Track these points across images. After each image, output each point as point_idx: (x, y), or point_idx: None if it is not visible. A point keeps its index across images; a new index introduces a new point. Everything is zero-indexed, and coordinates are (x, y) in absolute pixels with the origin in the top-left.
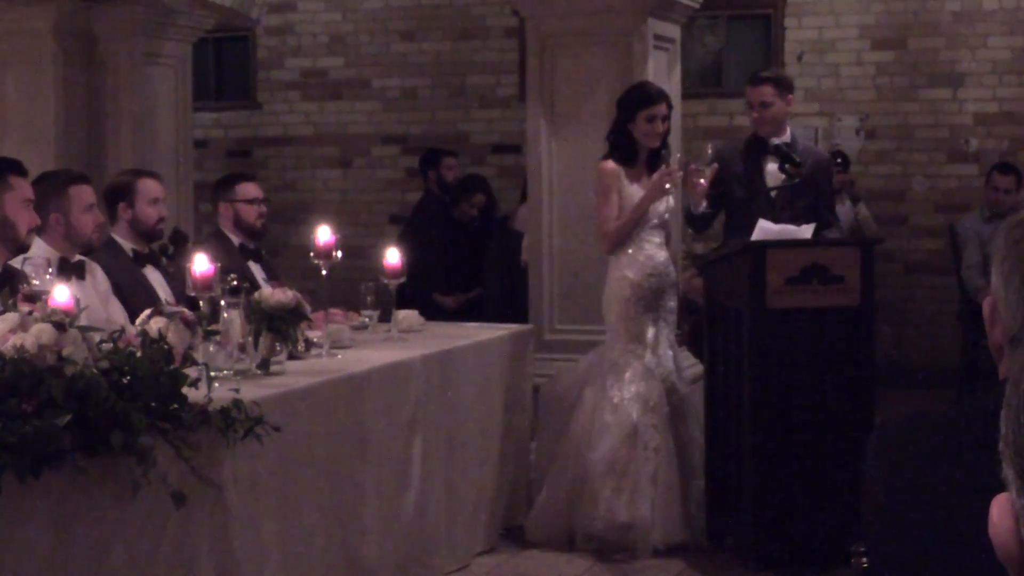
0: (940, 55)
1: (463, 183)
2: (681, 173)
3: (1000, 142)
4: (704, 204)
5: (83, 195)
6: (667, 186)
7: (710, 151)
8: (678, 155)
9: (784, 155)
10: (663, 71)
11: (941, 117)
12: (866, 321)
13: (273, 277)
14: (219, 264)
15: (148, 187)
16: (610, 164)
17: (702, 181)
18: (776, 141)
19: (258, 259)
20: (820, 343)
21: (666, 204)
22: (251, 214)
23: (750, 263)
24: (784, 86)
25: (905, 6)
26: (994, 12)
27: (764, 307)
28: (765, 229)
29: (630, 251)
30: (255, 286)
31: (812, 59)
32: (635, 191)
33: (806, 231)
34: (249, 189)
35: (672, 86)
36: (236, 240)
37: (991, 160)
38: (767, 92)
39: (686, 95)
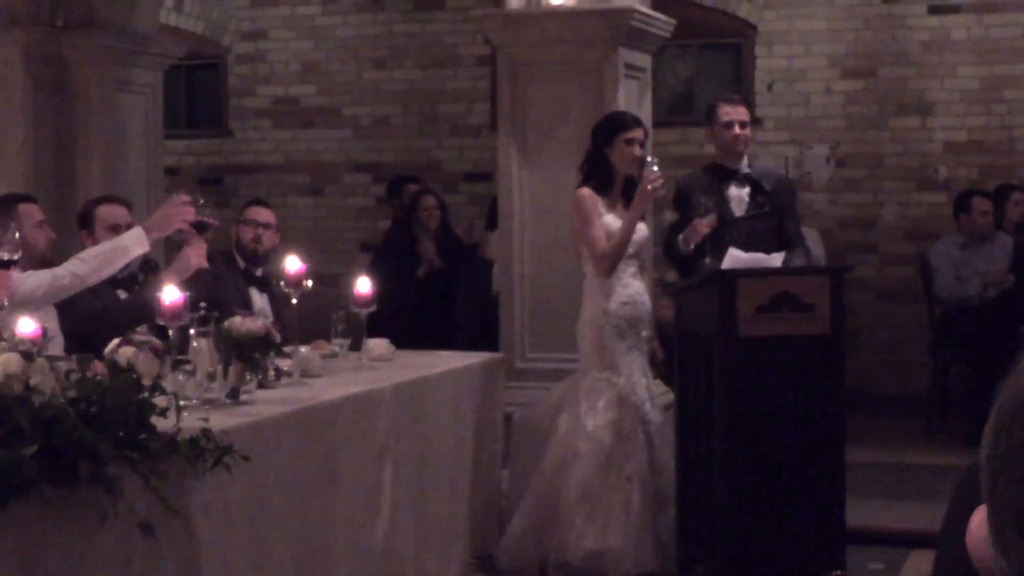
0: (909, 84)
1: (392, 184)
2: (662, 180)
3: (969, 170)
4: (690, 249)
5: (31, 212)
6: (656, 192)
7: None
8: (655, 166)
9: (755, 184)
10: (634, 99)
11: (911, 145)
12: (836, 349)
13: (276, 313)
14: (207, 283)
15: (107, 214)
16: (587, 191)
17: (704, 227)
18: (745, 169)
19: (265, 289)
20: (790, 371)
21: (642, 233)
22: (246, 235)
23: (721, 291)
24: (751, 109)
25: (874, 36)
26: (963, 42)
27: (735, 335)
28: (735, 258)
29: (604, 279)
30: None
31: (782, 88)
32: (611, 220)
33: (776, 259)
34: (253, 212)
35: (643, 114)
36: (242, 263)
37: (960, 188)
38: (746, 112)
39: (657, 123)
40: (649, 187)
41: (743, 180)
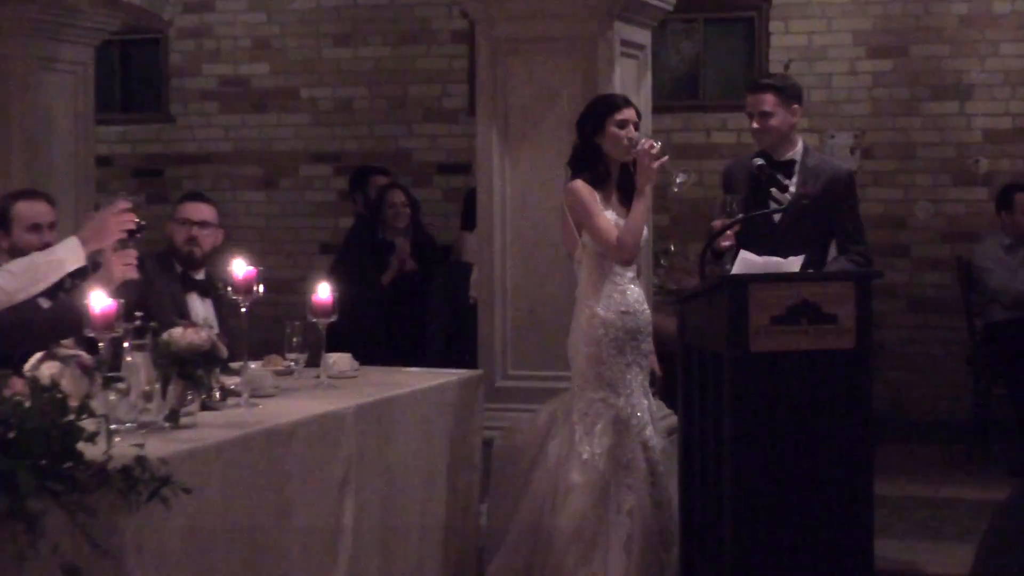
0: (945, 64)
1: (355, 177)
2: (660, 146)
3: (1013, 162)
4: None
5: None
6: (654, 163)
7: (679, 179)
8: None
9: (768, 176)
10: (632, 81)
11: (947, 134)
12: (862, 366)
13: (222, 323)
14: (138, 290)
15: (25, 212)
16: (581, 182)
17: (727, 233)
18: (758, 162)
19: (208, 295)
20: (810, 391)
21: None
22: (180, 235)
23: (730, 300)
24: (789, 94)
25: (905, 9)
26: (1006, 16)
27: (746, 350)
28: (747, 262)
29: (601, 285)
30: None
31: (801, 68)
32: (610, 216)
33: (794, 264)
34: (187, 209)
35: (642, 98)
36: (179, 267)
37: (1003, 182)
38: (768, 100)
39: (658, 109)
40: (649, 162)
41: (757, 172)
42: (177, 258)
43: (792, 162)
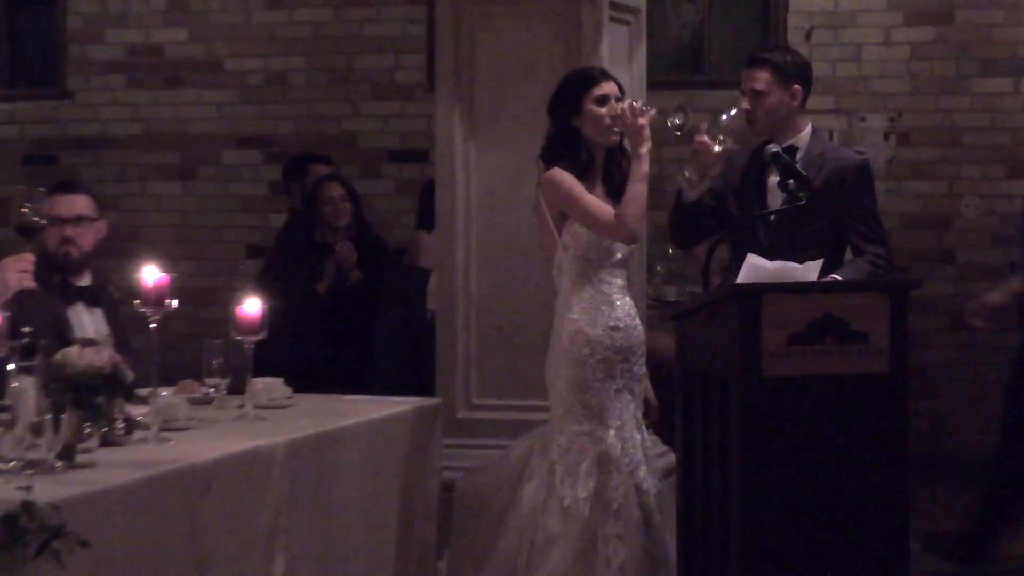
0: (997, 34)
1: (290, 165)
2: (641, 103)
3: None
4: (700, 190)
5: None
6: (640, 119)
7: (678, 120)
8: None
9: (784, 165)
10: (622, 52)
11: (999, 117)
12: (898, 394)
13: (119, 340)
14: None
15: None
16: (559, 170)
17: (715, 148)
18: (773, 148)
19: (97, 303)
20: (835, 425)
21: None
22: (51, 238)
23: (739, 315)
24: (790, 72)
25: None
26: None
27: (758, 375)
28: (757, 268)
29: (586, 295)
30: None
31: (824, 38)
32: None
33: (812, 269)
34: (57, 204)
35: (635, 73)
36: (58, 274)
37: None
38: (761, 78)
39: (656, 85)
40: (635, 119)
41: (773, 160)
42: (52, 264)
43: (794, 150)
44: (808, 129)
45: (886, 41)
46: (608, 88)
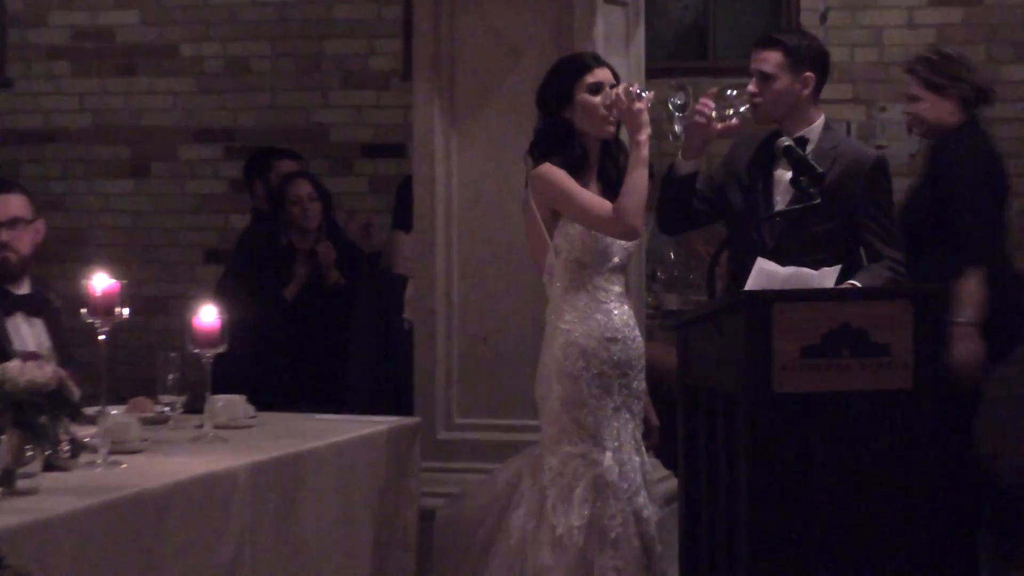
0: None
1: (253, 161)
2: (637, 87)
3: None
4: (695, 164)
5: None
6: (636, 104)
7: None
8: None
9: (797, 160)
10: (618, 37)
11: None
12: (925, 413)
13: (63, 354)
14: None
15: None
16: (550, 165)
17: (712, 113)
18: (785, 141)
19: (38, 313)
20: (855, 447)
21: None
22: None
23: (748, 325)
24: (802, 56)
25: None
26: None
27: (769, 392)
28: (768, 273)
29: (580, 302)
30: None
31: (842, 20)
32: None
33: (828, 276)
34: None
35: (632, 59)
36: None
37: None
38: (771, 59)
39: (655, 72)
40: (630, 103)
41: (785, 154)
42: None
43: (804, 142)
44: (820, 120)
45: (909, 24)
46: (602, 75)
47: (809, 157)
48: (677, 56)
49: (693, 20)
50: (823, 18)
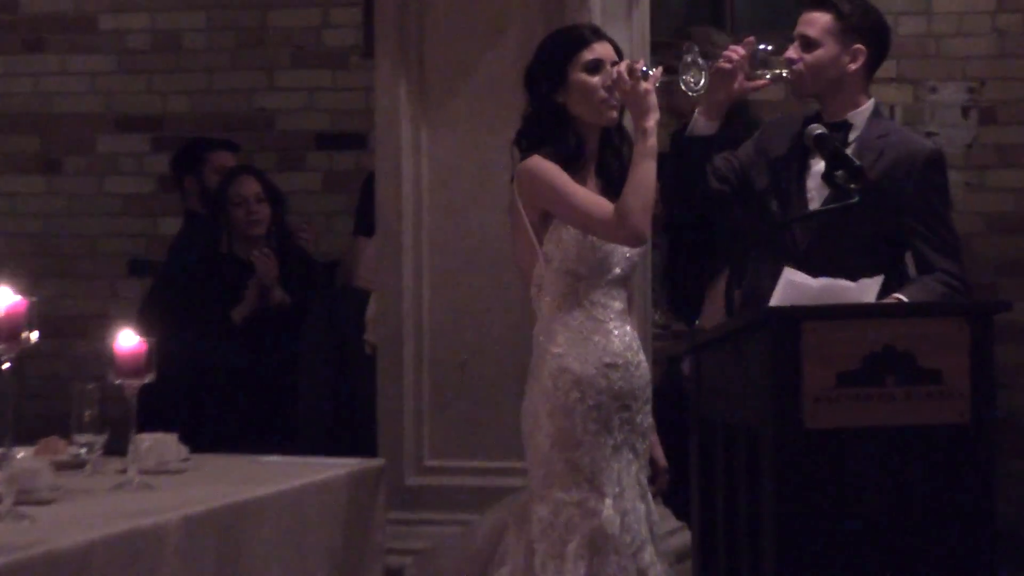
0: None
1: (185, 154)
2: (643, 64)
3: None
4: (714, 123)
5: None
6: (642, 83)
7: (692, 80)
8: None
9: (832, 151)
10: (619, 5)
11: None
12: (982, 452)
13: None
14: None
15: None
16: (539, 158)
17: (743, 77)
18: (818, 129)
19: None
20: (899, 491)
21: (633, 249)
22: None
23: (774, 348)
24: (856, 25)
25: None
26: None
27: (799, 427)
28: (796, 286)
29: (574, 321)
30: None
31: None
32: None
33: (869, 288)
34: None
35: (635, 31)
36: None
37: None
38: (818, 23)
39: (662, 47)
40: (635, 82)
41: (817, 144)
42: None
43: (847, 127)
44: (869, 104)
45: None
46: (601, 51)
47: (851, 148)
48: (689, 27)
49: None
50: None
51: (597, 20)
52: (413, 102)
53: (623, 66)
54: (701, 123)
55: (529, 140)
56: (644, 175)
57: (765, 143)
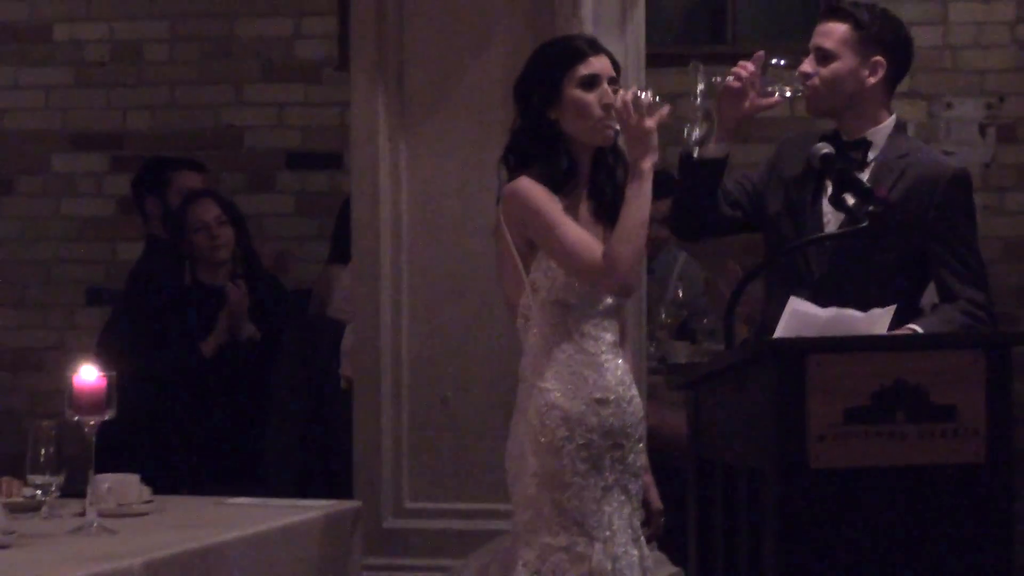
0: None
1: (147, 174)
2: (648, 93)
3: None
4: (724, 144)
5: None
6: (646, 120)
7: (695, 133)
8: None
9: (839, 173)
10: (612, 15)
11: None
12: (1000, 493)
13: None
14: None
15: None
16: (528, 181)
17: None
18: (824, 148)
19: None
20: (911, 535)
21: None
22: None
23: (777, 382)
24: (875, 36)
25: None
26: None
27: (804, 467)
28: (802, 316)
29: (563, 355)
30: None
31: None
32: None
33: (879, 319)
34: None
35: (629, 43)
36: None
37: None
38: (834, 33)
39: (659, 60)
40: (638, 118)
41: (822, 164)
42: None
43: (866, 146)
44: (890, 121)
45: None
46: (599, 65)
47: (870, 168)
48: (687, 40)
49: None
50: None
51: (589, 31)
52: (391, 118)
53: (629, 96)
54: (711, 145)
55: (518, 158)
56: (635, 220)
57: (779, 163)
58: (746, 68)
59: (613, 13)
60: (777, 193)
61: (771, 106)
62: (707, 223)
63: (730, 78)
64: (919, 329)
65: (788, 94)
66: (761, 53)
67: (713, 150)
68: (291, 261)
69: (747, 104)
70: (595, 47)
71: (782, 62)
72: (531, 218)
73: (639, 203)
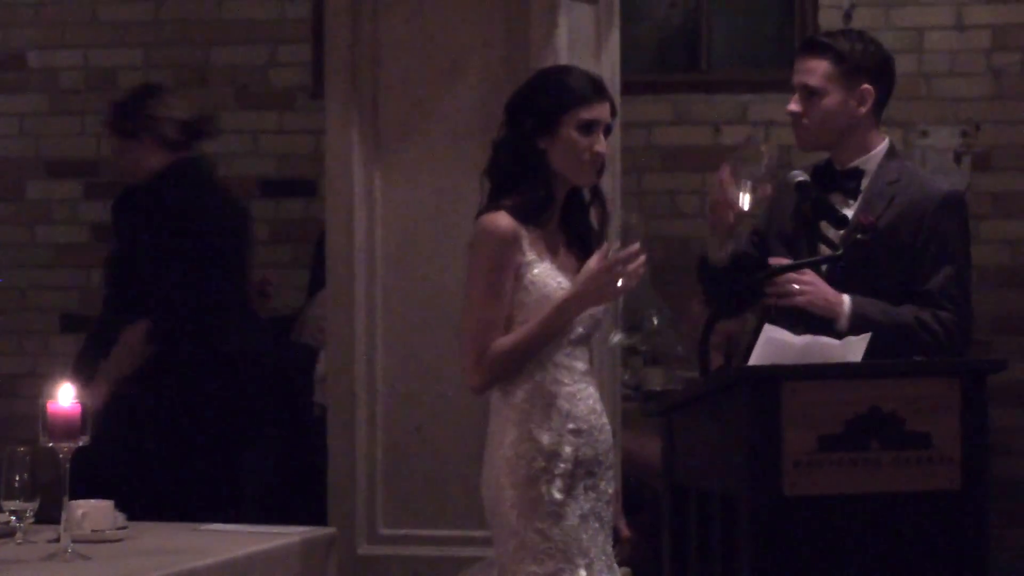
0: None
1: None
2: (644, 257)
3: None
4: (726, 251)
5: None
6: (617, 282)
7: (764, 156)
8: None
9: (815, 201)
10: (587, 43)
11: None
12: (974, 519)
13: None
14: None
15: None
16: (503, 219)
17: (740, 203)
18: (799, 176)
19: None
20: (886, 563)
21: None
22: None
23: (751, 410)
24: (858, 65)
25: None
26: None
27: (778, 495)
28: (776, 343)
29: (535, 385)
30: None
31: (872, 19)
32: (545, 274)
33: (854, 347)
34: None
35: (605, 70)
36: None
37: None
38: (817, 70)
39: (633, 88)
40: (615, 272)
41: (799, 191)
42: None
43: (859, 174)
44: (883, 146)
45: (957, 24)
46: (600, 112)
47: (860, 197)
48: (661, 66)
49: (681, 22)
50: (847, 16)
51: (563, 59)
52: (366, 146)
53: (622, 255)
54: (714, 255)
55: (501, 174)
56: (533, 340)
57: (776, 204)
58: (723, 180)
59: (588, 41)
60: (776, 229)
61: (760, 204)
62: (743, 301)
63: (713, 205)
64: (848, 301)
65: (748, 204)
66: (727, 166)
67: (716, 260)
68: (269, 288)
69: (734, 216)
70: (601, 93)
71: (759, 139)
72: (473, 265)
73: (548, 325)
